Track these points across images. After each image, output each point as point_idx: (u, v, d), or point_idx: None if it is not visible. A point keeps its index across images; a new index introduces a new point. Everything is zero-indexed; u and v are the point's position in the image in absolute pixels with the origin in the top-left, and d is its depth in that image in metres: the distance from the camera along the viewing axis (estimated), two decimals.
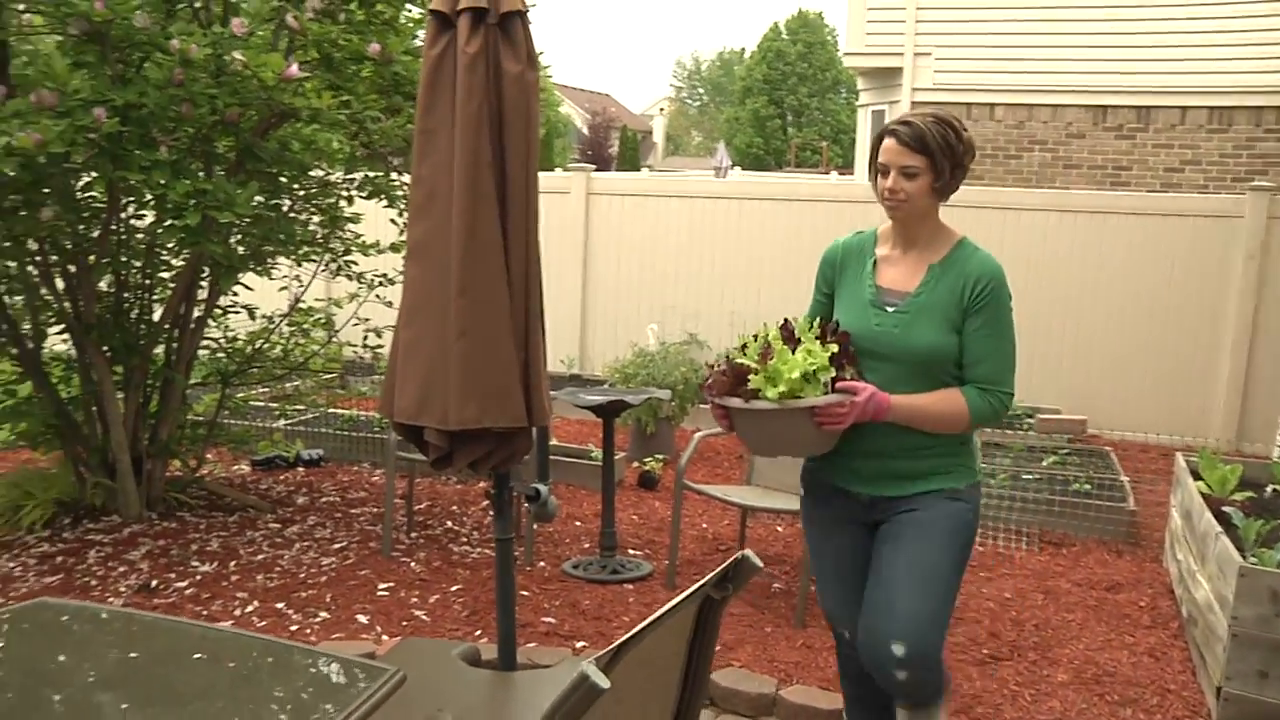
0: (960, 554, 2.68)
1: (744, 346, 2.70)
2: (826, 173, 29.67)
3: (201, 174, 4.76)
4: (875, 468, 2.70)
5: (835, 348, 2.60)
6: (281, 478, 6.38)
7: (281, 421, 7.06)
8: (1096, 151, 10.93)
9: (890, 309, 2.67)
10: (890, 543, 2.67)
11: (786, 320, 2.72)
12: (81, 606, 2.64)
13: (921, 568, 2.60)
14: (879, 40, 11.60)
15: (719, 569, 1.92)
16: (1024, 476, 6.36)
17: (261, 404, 7.33)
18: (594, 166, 10.12)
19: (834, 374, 2.58)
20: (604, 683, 1.40)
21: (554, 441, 6.53)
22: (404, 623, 4.30)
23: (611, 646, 1.50)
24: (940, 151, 2.58)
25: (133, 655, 2.21)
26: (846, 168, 31.88)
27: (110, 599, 4.41)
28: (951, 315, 2.62)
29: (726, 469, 6.85)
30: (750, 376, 2.62)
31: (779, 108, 48.91)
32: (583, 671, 1.40)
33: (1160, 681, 3.95)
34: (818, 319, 2.78)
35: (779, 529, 5.67)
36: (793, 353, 2.60)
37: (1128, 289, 8.03)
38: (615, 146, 40.70)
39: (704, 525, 5.69)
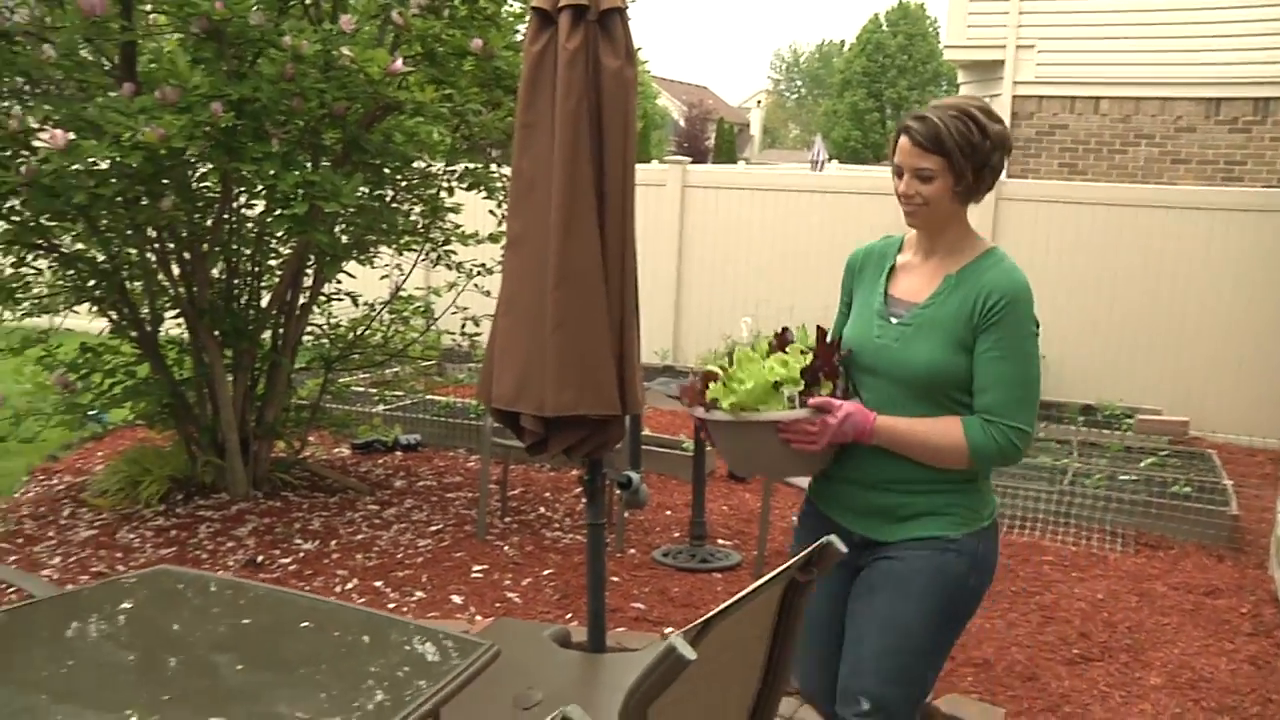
0: (942, 607, 2.35)
1: (729, 353, 2.48)
2: None
3: (309, 165, 4.94)
4: (865, 499, 2.41)
5: (809, 359, 2.35)
6: (380, 461, 6.57)
7: (381, 406, 7.25)
8: (1208, 146, 10.56)
9: (895, 320, 2.39)
10: (864, 598, 2.40)
11: (785, 329, 2.49)
12: (198, 575, 2.79)
13: (892, 624, 2.34)
14: (980, 32, 11.37)
15: (804, 552, 1.95)
16: (1120, 477, 6.23)
17: (362, 389, 7.55)
18: (690, 159, 10.15)
19: (802, 387, 2.31)
20: (690, 654, 1.45)
21: (646, 431, 6.59)
22: (497, 604, 4.42)
23: (699, 620, 1.55)
24: (959, 150, 2.25)
25: (245, 621, 2.34)
26: None
27: (220, 572, 4.60)
28: (960, 333, 2.30)
29: None
30: (710, 384, 2.38)
31: (878, 100, 48.34)
32: (670, 643, 1.46)
33: (1262, 690, 3.85)
34: (816, 326, 2.52)
35: None
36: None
37: (1238, 287, 7.77)
38: (712, 139, 40.59)
39: (793, 518, 5.69)
